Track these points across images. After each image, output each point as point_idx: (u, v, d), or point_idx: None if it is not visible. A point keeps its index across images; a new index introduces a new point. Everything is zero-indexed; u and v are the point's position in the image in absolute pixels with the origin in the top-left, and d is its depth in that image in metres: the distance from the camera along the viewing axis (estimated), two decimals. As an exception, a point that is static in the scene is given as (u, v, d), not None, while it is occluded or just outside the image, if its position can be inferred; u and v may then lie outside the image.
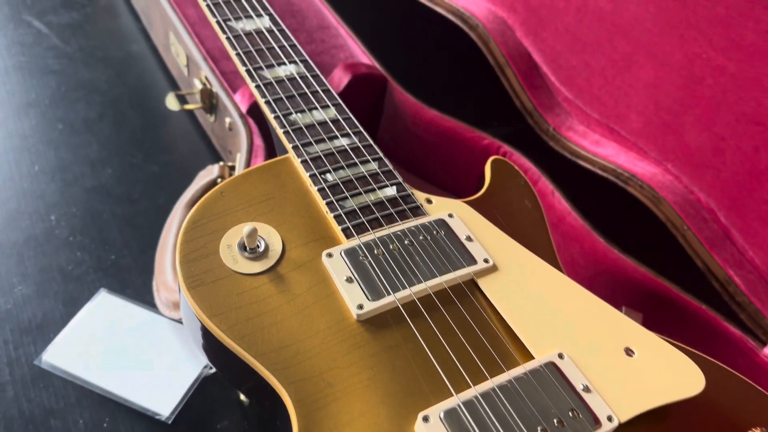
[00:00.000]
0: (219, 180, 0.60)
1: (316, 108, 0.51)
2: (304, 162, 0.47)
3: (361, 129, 0.51)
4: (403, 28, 0.92)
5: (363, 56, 0.74)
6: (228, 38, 0.56)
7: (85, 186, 0.66)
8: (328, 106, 0.52)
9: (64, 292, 0.57)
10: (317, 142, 0.49)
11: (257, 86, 0.52)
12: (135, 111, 0.75)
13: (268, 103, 0.51)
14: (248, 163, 0.59)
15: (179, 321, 0.54)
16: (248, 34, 0.56)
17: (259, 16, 0.58)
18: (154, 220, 0.63)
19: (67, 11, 0.87)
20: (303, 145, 0.48)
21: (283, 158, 0.48)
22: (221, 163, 0.61)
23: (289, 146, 0.48)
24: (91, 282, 0.58)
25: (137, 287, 0.58)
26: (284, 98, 0.51)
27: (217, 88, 0.65)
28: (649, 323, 0.46)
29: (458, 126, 0.68)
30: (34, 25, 0.84)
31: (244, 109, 0.63)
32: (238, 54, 0.54)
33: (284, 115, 0.50)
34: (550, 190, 0.63)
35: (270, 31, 0.57)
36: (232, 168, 0.62)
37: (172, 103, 0.65)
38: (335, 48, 0.75)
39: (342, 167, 0.47)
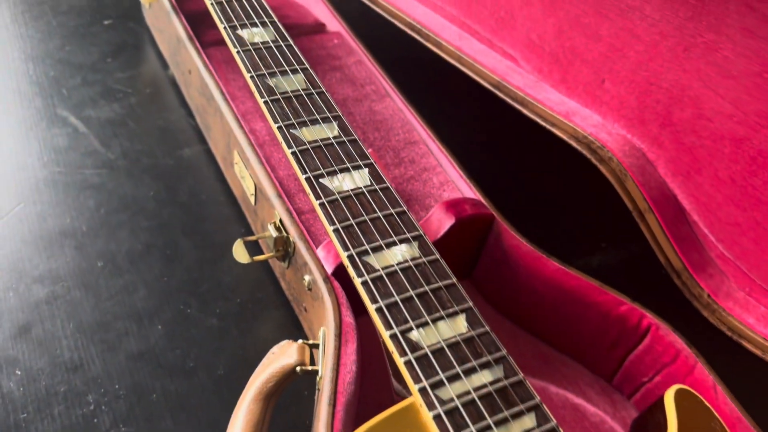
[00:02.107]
0: (298, 369, 0.49)
1: (441, 318, 0.40)
2: (437, 418, 0.36)
3: (505, 352, 0.39)
4: (511, 151, 0.81)
5: (460, 180, 0.63)
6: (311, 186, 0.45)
7: (131, 351, 0.55)
8: (455, 313, 0.40)
9: None
10: (450, 379, 0.37)
11: (350, 256, 0.42)
12: (188, 239, 0.64)
13: (379, 310, 0.39)
14: (338, 356, 0.48)
15: None
16: (347, 196, 0.45)
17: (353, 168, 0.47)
18: (214, 401, 0.53)
19: (108, 102, 0.77)
20: (433, 387, 0.37)
21: (406, 406, 0.37)
22: (301, 342, 0.50)
23: (413, 386, 0.37)
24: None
25: None
26: (400, 304, 0.40)
27: (294, 235, 0.54)
28: None
29: (587, 285, 0.56)
30: (71, 122, 0.74)
31: (329, 269, 0.52)
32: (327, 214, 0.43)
33: (403, 332, 0.39)
34: (711, 383, 0.51)
35: (367, 192, 0.46)
36: (314, 347, 0.51)
37: (240, 254, 0.54)
38: (427, 170, 0.64)
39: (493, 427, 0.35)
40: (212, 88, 0.65)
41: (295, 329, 0.59)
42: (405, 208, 0.46)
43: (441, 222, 0.57)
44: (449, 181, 0.64)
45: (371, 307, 0.40)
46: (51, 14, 0.89)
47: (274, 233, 0.55)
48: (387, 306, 0.40)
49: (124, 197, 0.67)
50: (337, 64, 0.73)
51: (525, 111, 0.64)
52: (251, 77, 0.54)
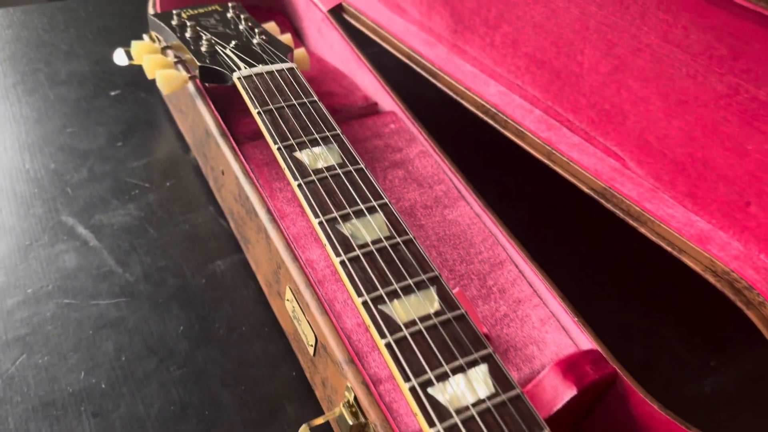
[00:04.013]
0: None
1: None
2: None
3: None
4: (624, 276, 0.69)
5: (564, 315, 0.52)
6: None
7: None
8: None
9: None
10: None
11: None
12: (230, 393, 0.53)
13: None
14: None
15: None
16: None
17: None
18: None
19: (121, 203, 0.66)
20: None
21: None
22: None
23: None
24: None
25: None
26: None
27: (373, 416, 0.44)
28: None
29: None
30: (78, 234, 0.62)
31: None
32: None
33: None
34: None
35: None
36: None
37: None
38: (522, 303, 0.53)
39: None
40: (255, 203, 0.54)
41: None
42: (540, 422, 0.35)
43: (557, 392, 0.46)
44: (551, 317, 0.53)
45: None
46: (47, 85, 0.77)
47: (350, 419, 0.45)
48: None
49: (150, 336, 0.56)
50: (399, 158, 0.63)
51: (643, 229, 0.53)
52: (320, 223, 0.43)
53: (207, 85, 0.64)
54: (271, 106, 0.50)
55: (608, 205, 0.56)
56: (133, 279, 0.60)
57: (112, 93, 0.78)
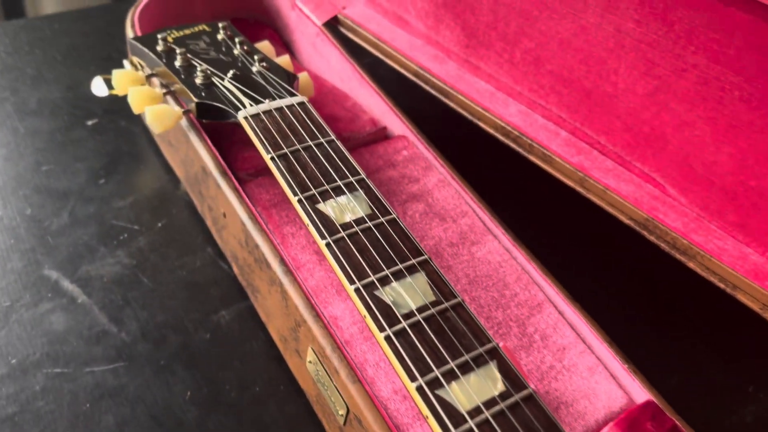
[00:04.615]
0: None
1: None
2: None
3: None
4: (671, 312, 0.65)
5: (613, 361, 0.48)
6: None
7: None
8: None
9: None
10: None
11: None
12: (249, 465, 0.48)
13: None
14: None
15: None
16: None
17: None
18: None
19: (109, 250, 0.59)
20: None
21: None
22: None
23: None
24: None
25: None
26: None
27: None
28: None
29: None
30: (64, 290, 0.56)
31: None
32: None
33: None
34: None
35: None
36: None
37: None
38: (567, 350, 0.49)
39: None
40: (266, 252, 0.49)
41: None
42: None
43: (618, 459, 0.42)
44: (598, 364, 0.49)
45: None
46: (16, 117, 0.70)
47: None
48: None
49: (154, 405, 0.50)
50: (416, 189, 0.58)
51: (691, 264, 0.50)
52: (356, 290, 0.38)
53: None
54: (286, 150, 0.45)
55: (651, 237, 0.52)
56: (129, 339, 0.54)
57: (89, 122, 0.71)
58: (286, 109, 0.48)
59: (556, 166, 0.57)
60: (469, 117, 0.63)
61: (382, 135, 0.64)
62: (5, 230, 0.60)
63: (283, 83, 0.52)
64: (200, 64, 0.54)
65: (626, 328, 0.53)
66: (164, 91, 0.56)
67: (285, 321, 0.50)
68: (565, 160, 0.56)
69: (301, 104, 0.49)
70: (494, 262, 0.54)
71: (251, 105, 0.48)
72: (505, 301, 0.51)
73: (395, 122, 0.64)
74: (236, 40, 0.58)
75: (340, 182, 0.43)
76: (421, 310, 0.37)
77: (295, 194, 0.42)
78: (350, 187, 0.43)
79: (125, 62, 0.61)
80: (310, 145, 0.46)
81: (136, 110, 0.55)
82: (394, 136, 0.64)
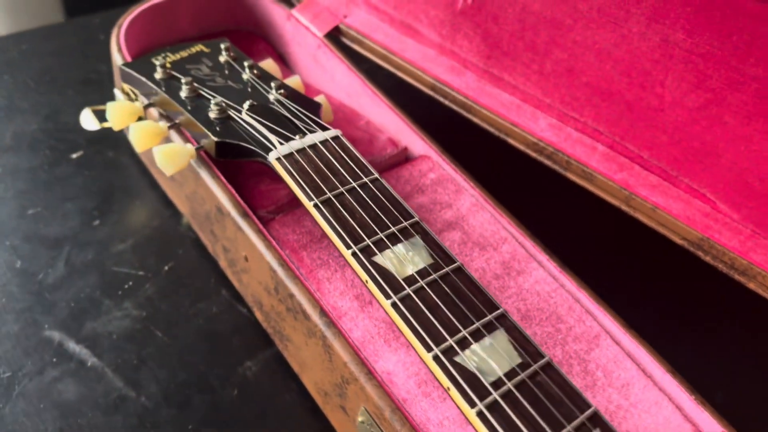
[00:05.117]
0: None
1: None
2: None
3: None
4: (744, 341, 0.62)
5: (681, 394, 0.46)
6: None
7: None
8: None
9: None
10: None
11: None
12: None
13: None
14: None
15: None
16: None
17: None
18: None
19: (115, 302, 0.54)
20: None
21: None
22: None
23: None
24: None
25: None
26: None
27: None
28: None
29: None
30: (70, 352, 0.51)
31: None
32: None
33: None
34: None
35: None
36: None
37: None
38: (630, 386, 0.46)
39: None
40: (303, 302, 0.44)
41: None
42: None
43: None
44: (663, 398, 0.46)
45: None
46: (-9, 154, 0.63)
47: None
48: None
49: (188, 480, 0.46)
50: (450, 216, 0.54)
51: (752, 285, 0.47)
52: (435, 357, 0.34)
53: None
54: (329, 194, 0.40)
55: (707, 258, 0.49)
56: (151, 404, 0.49)
57: (74, 155, 0.64)
58: (320, 145, 0.43)
59: (598, 183, 0.54)
60: (495, 132, 0.59)
61: (403, 156, 0.60)
62: (-5, 288, 0.54)
63: (308, 113, 0.47)
64: (212, 96, 0.49)
65: (691, 357, 0.51)
66: (168, 124, 0.51)
67: (327, 375, 0.46)
68: (608, 177, 0.53)
69: (336, 139, 0.44)
70: (543, 292, 0.50)
71: (280, 143, 0.43)
72: (562, 336, 0.48)
73: (415, 140, 0.60)
74: (244, 63, 0.53)
75: (393, 228, 0.39)
76: (509, 375, 0.34)
77: (348, 247, 0.38)
78: (406, 234, 0.39)
79: (117, 92, 0.55)
80: (354, 187, 0.41)
81: (139, 149, 0.49)
82: (416, 157, 0.59)
